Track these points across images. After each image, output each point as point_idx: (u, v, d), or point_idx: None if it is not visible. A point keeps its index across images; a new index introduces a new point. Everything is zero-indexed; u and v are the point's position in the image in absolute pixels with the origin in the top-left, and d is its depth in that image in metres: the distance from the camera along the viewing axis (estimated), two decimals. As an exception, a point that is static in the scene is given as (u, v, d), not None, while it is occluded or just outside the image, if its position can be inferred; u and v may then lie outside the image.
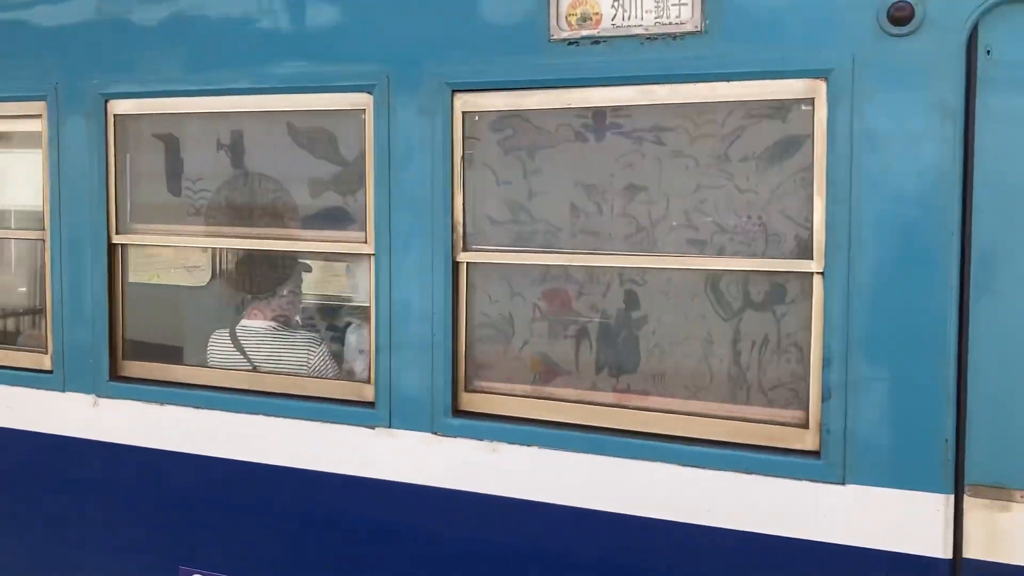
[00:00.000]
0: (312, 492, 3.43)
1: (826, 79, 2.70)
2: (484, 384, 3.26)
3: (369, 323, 3.34)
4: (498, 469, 3.15)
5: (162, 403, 3.66)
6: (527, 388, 3.22)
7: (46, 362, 3.91)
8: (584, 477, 3.02)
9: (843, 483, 2.73)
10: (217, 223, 3.72)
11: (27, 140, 3.95)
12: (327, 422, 3.40)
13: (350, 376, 3.70)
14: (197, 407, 3.59)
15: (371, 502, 3.34)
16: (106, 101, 3.68)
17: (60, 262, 3.79)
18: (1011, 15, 2.56)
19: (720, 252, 2.94)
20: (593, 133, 3.07)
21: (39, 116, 3.81)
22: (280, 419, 3.46)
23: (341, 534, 3.40)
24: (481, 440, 3.17)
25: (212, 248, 3.94)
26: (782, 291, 2.91)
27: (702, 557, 2.91)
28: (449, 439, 3.21)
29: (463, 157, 3.17)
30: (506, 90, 3.11)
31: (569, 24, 2.99)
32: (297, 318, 3.90)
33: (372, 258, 3.30)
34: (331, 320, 4.01)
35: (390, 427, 3.29)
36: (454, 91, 3.14)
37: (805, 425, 2.83)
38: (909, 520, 2.67)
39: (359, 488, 3.35)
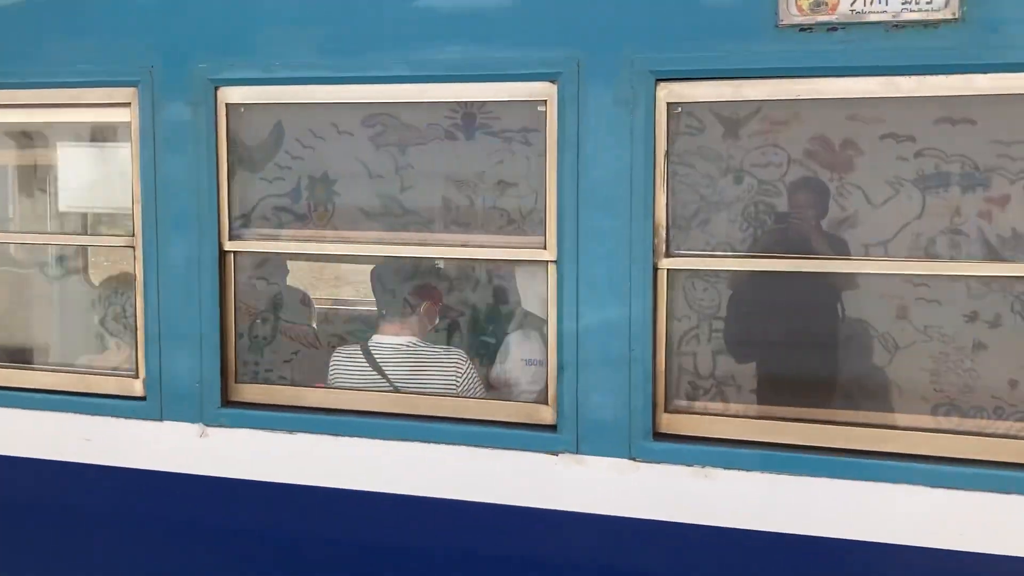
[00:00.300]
0: (481, 527, 3.07)
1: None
2: (687, 404, 2.97)
3: (548, 337, 3.00)
4: (710, 497, 2.86)
5: (291, 431, 3.22)
6: (740, 407, 2.95)
7: (137, 387, 3.40)
8: (822, 503, 2.76)
9: None
10: (353, 227, 3.30)
11: (112, 132, 3.43)
12: (495, 448, 3.04)
13: (507, 395, 3.35)
14: (336, 434, 3.17)
15: (555, 536, 3.00)
16: (216, 88, 3.21)
17: (157, 272, 3.30)
18: None
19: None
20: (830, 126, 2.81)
21: (128, 104, 3.30)
22: (436, 445, 3.09)
23: (517, 572, 3.06)
24: (690, 466, 2.88)
25: (341, 255, 3.51)
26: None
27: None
28: (649, 465, 2.91)
29: (667, 153, 2.86)
30: (720, 79, 2.82)
31: (800, 9, 2.72)
32: (439, 331, 3.51)
33: (552, 265, 2.97)
34: (480, 332, 3.63)
35: (577, 453, 2.96)
36: (658, 80, 2.83)
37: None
38: None
39: (539, 521, 3.00)
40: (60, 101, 3.40)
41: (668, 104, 2.85)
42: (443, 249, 3.26)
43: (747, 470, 2.83)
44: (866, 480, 2.71)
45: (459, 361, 3.33)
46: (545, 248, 2.97)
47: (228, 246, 3.26)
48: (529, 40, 2.92)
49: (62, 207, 3.78)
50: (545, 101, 2.94)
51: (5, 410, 3.50)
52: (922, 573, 2.71)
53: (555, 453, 2.98)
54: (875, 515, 2.72)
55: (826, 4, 2.70)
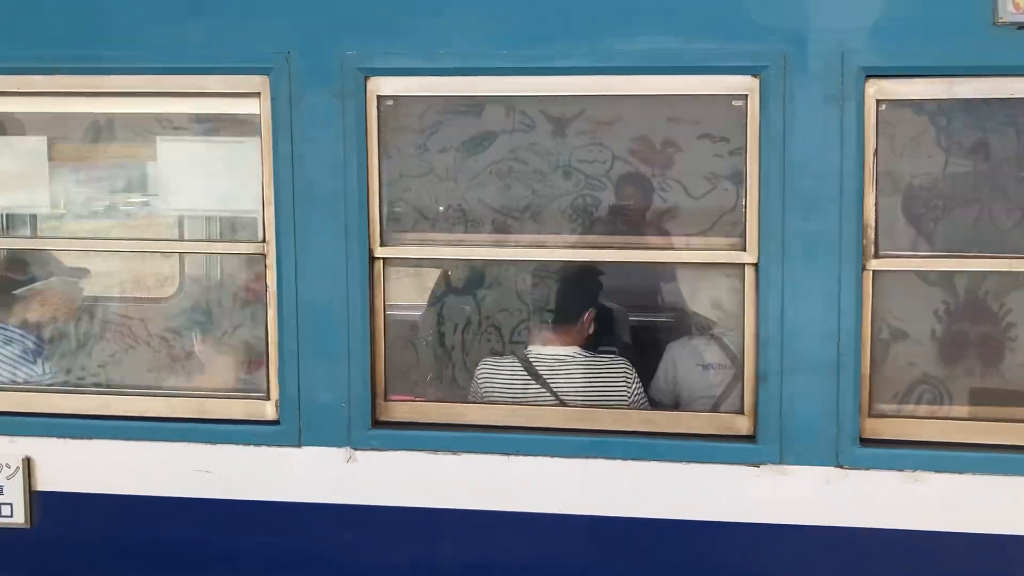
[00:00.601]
0: (674, 544, 2.91)
1: None
2: (894, 408, 2.91)
3: (745, 344, 2.87)
4: (922, 501, 2.81)
5: (454, 451, 2.95)
6: (947, 410, 2.90)
7: (268, 411, 3.04)
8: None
9: None
10: (517, 231, 3.05)
11: (236, 126, 3.04)
12: (688, 462, 2.89)
13: (681, 404, 3.19)
14: (508, 453, 2.93)
15: (760, 549, 2.88)
16: (366, 78, 2.90)
17: (295, 282, 2.95)
18: None
19: None
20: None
21: (257, 95, 2.94)
22: (621, 461, 2.90)
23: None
24: (900, 470, 2.81)
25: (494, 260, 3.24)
26: None
27: None
28: (857, 472, 2.83)
29: (875, 151, 2.78)
30: (930, 76, 2.76)
31: (1018, 7, 2.70)
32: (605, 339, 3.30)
33: (752, 268, 2.84)
34: (640, 339, 3.43)
35: (780, 463, 2.85)
36: (868, 76, 2.75)
37: None
38: None
39: (741, 535, 2.87)
40: (171, 89, 2.99)
41: (877, 100, 2.77)
42: (625, 252, 3.06)
43: (959, 472, 2.79)
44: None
45: (627, 371, 3.14)
46: (745, 250, 2.84)
47: (379, 252, 2.95)
48: (730, 32, 2.78)
49: (162, 210, 3.32)
50: (745, 96, 2.80)
51: (107, 442, 3.06)
52: None
53: (756, 465, 2.86)
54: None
55: (1045, 2, 2.69)
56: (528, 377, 3.10)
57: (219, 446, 3.03)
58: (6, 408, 3.14)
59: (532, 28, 2.83)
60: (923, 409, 2.93)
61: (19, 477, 3.10)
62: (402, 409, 3.02)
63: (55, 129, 3.22)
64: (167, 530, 3.07)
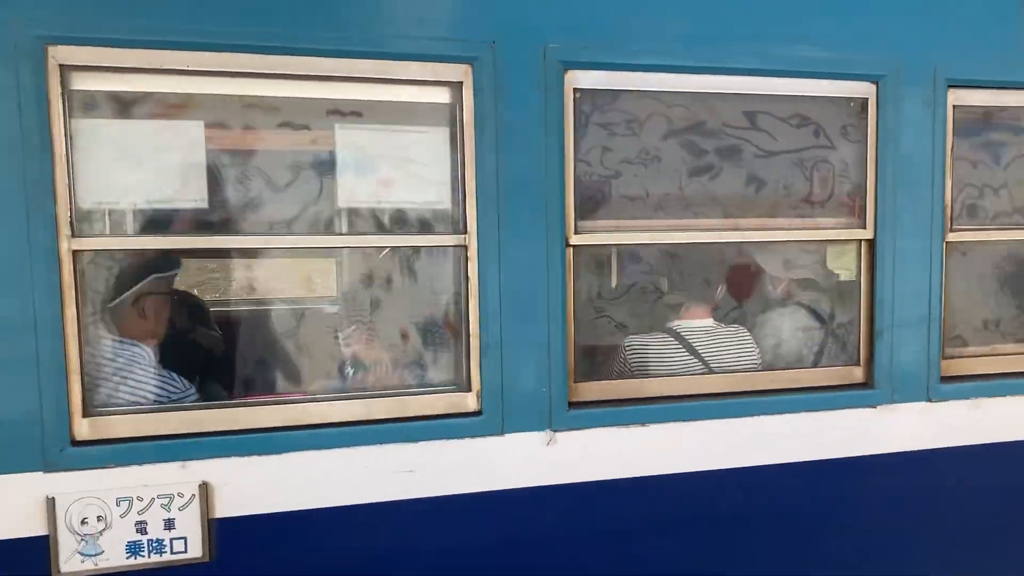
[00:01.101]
0: (813, 481, 3.41)
1: None
2: (957, 350, 3.66)
3: (861, 306, 3.45)
4: (983, 422, 3.60)
5: (643, 423, 3.18)
6: (1003, 347, 3.72)
7: (471, 402, 3.01)
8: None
9: None
10: (683, 215, 3.31)
11: (431, 115, 2.92)
12: (825, 410, 3.41)
13: (799, 362, 3.66)
14: (685, 420, 3.23)
15: (876, 476, 3.48)
16: (565, 71, 2.99)
17: (499, 273, 2.96)
18: None
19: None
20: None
21: (460, 84, 2.88)
22: (775, 416, 3.34)
23: (839, 512, 3.47)
24: (968, 399, 3.58)
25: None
26: None
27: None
28: (939, 403, 3.54)
29: (952, 148, 3.48)
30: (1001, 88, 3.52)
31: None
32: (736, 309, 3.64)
33: (867, 243, 3.41)
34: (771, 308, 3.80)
35: (892, 403, 3.48)
36: (950, 86, 3.43)
37: None
38: None
39: (862, 466, 3.46)
40: (368, 75, 2.82)
41: (954, 106, 3.46)
42: (767, 233, 3.45)
43: (1011, 396, 3.62)
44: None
45: (750, 338, 3.56)
46: (864, 227, 3.41)
47: (573, 240, 3.07)
48: (859, 46, 3.30)
49: (342, 203, 2.97)
50: (866, 100, 3.35)
51: (299, 455, 2.83)
52: None
53: (874, 406, 3.46)
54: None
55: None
56: (682, 349, 3.40)
57: (421, 443, 2.95)
58: (175, 431, 2.76)
59: (712, 33, 3.12)
60: (983, 349, 3.73)
61: (195, 505, 2.76)
62: (591, 389, 3.18)
63: (217, 114, 2.82)
64: (369, 538, 2.93)
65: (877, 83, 3.33)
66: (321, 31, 2.74)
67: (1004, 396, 3.62)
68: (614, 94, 3.14)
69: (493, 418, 3.02)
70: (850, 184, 3.45)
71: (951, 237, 3.52)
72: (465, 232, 2.95)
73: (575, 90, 3.02)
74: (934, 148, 3.41)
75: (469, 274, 2.97)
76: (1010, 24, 3.48)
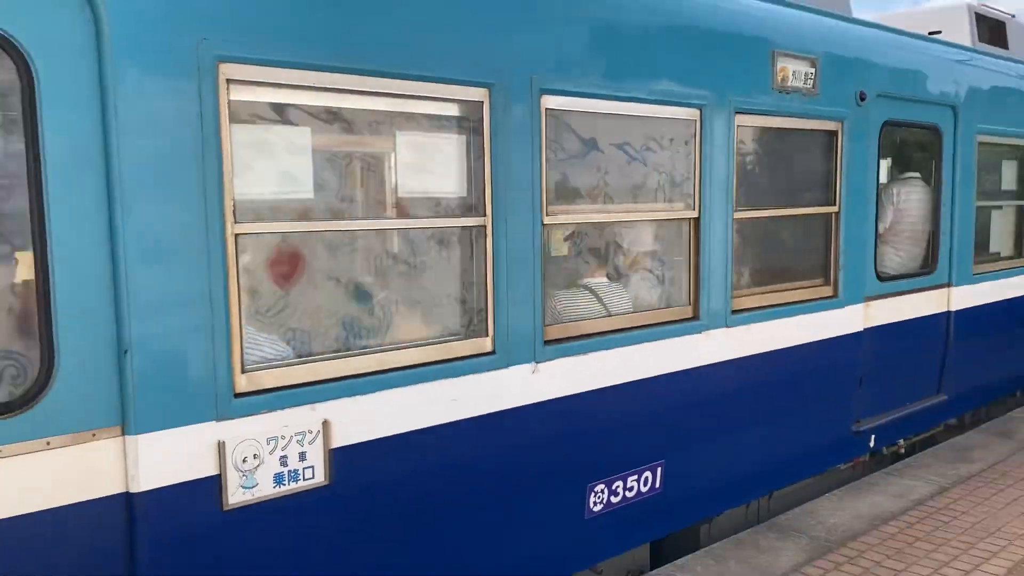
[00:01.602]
0: (677, 386, 4.88)
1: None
2: (740, 292, 5.36)
3: (690, 266, 4.98)
4: (752, 341, 5.35)
5: (595, 351, 4.39)
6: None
7: (488, 345, 3.98)
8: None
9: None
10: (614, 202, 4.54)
11: (445, 126, 3.82)
12: (676, 337, 4.90)
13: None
14: (608, 348, 4.50)
15: (702, 376, 5.05)
16: (542, 95, 4.08)
17: (505, 245, 3.97)
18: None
19: None
20: None
21: (481, 103, 3.84)
22: (653, 343, 4.75)
23: (691, 398, 4.99)
24: (745, 325, 5.30)
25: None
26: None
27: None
28: (732, 328, 5.22)
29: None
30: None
31: None
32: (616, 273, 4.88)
33: (696, 221, 4.96)
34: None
35: (709, 330, 5.06)
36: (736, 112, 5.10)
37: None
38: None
39: (689, 375, 5.01)
40: (415, 93, 3.66)
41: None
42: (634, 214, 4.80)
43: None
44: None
45: (623, 291, 4.90)
46: (694, 210, 4.95)
47: (547, 220, 4.17)
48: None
49: (402, 193, 3.57)
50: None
51: (385, 393, 3.60)
52: None
53: (700, 332, 5.02)
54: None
55: None
56: (593, 299, 4.64)
57: (460, 378, 3.88)
58: (304, 379, 3.39)
59: (622, 73, 4.41)
60: (756, 290, 5.47)
61: (319, 440, 3.42)
62: (556, 330, 4.31)
63: (314, 123, 3.40)
64: (433, 451, 3.79)
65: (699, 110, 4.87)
66: (401, 62, 3.55)
67: (762, 322, 5.41)
68: (569, 113, 4.29)
69: (503, 356, 4.03)
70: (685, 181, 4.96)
71: (737, 215, 5.21)
72: (485, 215, 3.92)
73: (547, 109, 4.12)
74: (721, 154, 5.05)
75: (487, 247, 3.94)
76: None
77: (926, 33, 7.35)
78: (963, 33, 8.19)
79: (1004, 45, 8.58)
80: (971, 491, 6.32)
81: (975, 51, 7.74)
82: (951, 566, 5.10)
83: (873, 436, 6.58)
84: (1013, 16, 9.08)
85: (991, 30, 8.55)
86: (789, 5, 5.58)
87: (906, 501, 6.11)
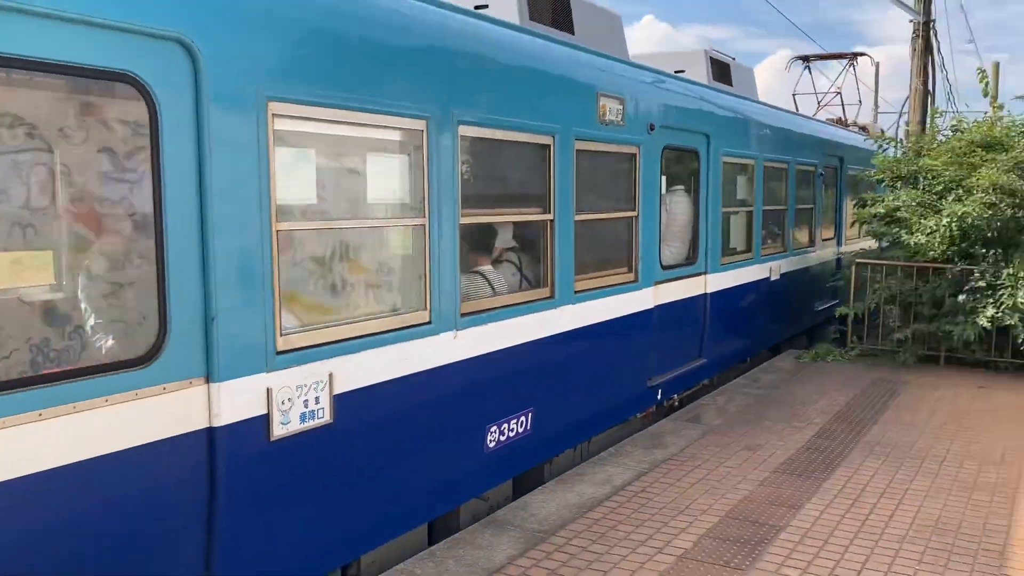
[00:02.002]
0: (541, 350, 6.31)
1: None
2: (581, 276, 6.89)
3: (547, 258, 6.44)
4: (585, 314, 6.91)
5: (469, 326, 5.69)
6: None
7: (426, 316, 5.18)
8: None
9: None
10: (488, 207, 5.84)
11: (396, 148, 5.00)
12: (538, 312, 6.33)
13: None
14: (497, 320, 5.85)
15: (553, 350, 6.52)
16: (459, 125, 5.36)
17: (438, 239, 5.21)
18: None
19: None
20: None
21: (421, 131, 5.06)
22: (523, 317, 6.16)
23: (556, 360, 6.44)
24: (582, 303, 6.85)
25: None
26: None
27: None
28: (577, 305, 6.74)
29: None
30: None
31: None
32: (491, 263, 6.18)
33: (551, 222, 6.43)
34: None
35: (562, 305, 6.55)
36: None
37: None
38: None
39: (549, 340, 6.48)
40: (379, 123, 4.83)
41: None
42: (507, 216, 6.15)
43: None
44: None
45: (501, 275, 6.24)
46: (550, 213, 6.42)
47: (462, 220, 5.44)
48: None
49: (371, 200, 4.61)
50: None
51: (367, 352, 4.72)
52: None
53: (555, 308, 6.50)
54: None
55: None
56: (485, 282, 5.93)
57: (409, 342, 5.07)
58: (316, 341, 4.44)
59: (508, 110, 5.78)
60: (593, 275, 7.00)
61: (327, 388, 4.49)
62: (467, 306, 5.59)
63: (317, 145, 4.43)
64: (396, 395, 4.96)
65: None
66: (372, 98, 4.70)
67: (594, 300, 6.99)
68: (474, 139, 5.59)
69: (438, 326, 5.27)
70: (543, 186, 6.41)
71: (577, 218, 6.73)
72: (426, 216, 5.14)
73: (462, 137, 5.40)
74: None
75: (427, 241, 5.16)
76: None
77: (672, 72, 9.30)
78: (701, 73, 10.35)
79: (730, 83, 10.89)
80: (665, 474, 6.92)
81: (719, 90, 9.91)
82: (648, 544, 5.57)
83: (660, 391, 8.42)
84: (734, 59, 11.48)
85: (720, 70, 10.83)
86: (598, 54, 7.22)
87: (609, 487, 6.57)
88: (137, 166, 3.66)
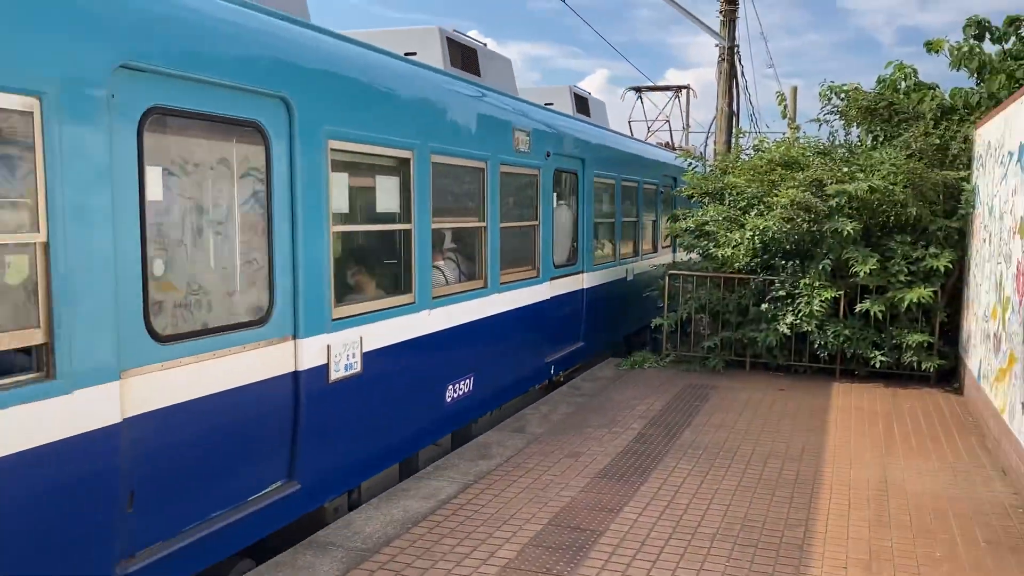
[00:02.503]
0: (478, 327, 8.12)
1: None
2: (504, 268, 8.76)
3: (482, 255, 8.27)
4: (504, 302, 8.79)
5: (436, 307, 7.45)
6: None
7: (412, 298, 6.92)
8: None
9: (545, 282, 9.88)
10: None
11: (393, 171, 6.71)
12: (476, 298, 8.15)
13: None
14: (452, 303, 7.64)
15: (484, 328, 8.36)
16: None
17: (418, 242, 6.95)
18: (552, 156, 10.09)
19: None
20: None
21: (406, 159, 6.80)
22: (467, 301, 7.96)
23: (481, 341, 8.26)
24: (509, 291, 8.73)
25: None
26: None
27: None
28: (501, 295, 8.60)
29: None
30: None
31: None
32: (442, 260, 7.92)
33: (484, 229, 8.27)
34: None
35: (492, 294, 8.40)
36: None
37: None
38: (550, 289, 10.08)
39: (483, 321, 8.31)
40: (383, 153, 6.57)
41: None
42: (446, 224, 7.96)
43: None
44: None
45: (452, 268, 8.00)
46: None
47: (434, 224, 7.21)
48: (482, 146, 8.16)
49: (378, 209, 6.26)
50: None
51: (385, 321, 6.43)
52: None
53: (487, 295, 8.34)
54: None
55: None
56: (440, 273, 7.68)
57: (400, 317, 6.80)
58: (351, 313, 6.10)
59: (463, 143, 7.60)
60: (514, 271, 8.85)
61: (358, 347, 6.15)
62: (436, 291, 7.34)
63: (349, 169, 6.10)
64: (398, 356, 6.69)
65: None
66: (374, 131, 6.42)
67: (513, 290, 8.88)
68: (434, 163, 7.35)
69: (419, 305, 7.02)
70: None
71: (502, 225, 8.60)
72: (410, 223, 6.87)
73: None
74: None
75: (412, 241, 6.89)
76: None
77: (543, 104, 11.11)
78: (567, 105, 12.36)
79: (588, 113, 12.95)
80: (490, 484, 6.98)
81: (585, 121, 12.08)
82: (472, 556, 5.62)
83: (553, 367, 10.41)
84: (590, 94, 13.59)
85: (581, 103, 12.83)
86: (515, 98, 9.17)
87: (434, 501, 6.59)
88: (257, 186, 5.25)
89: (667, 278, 12.81)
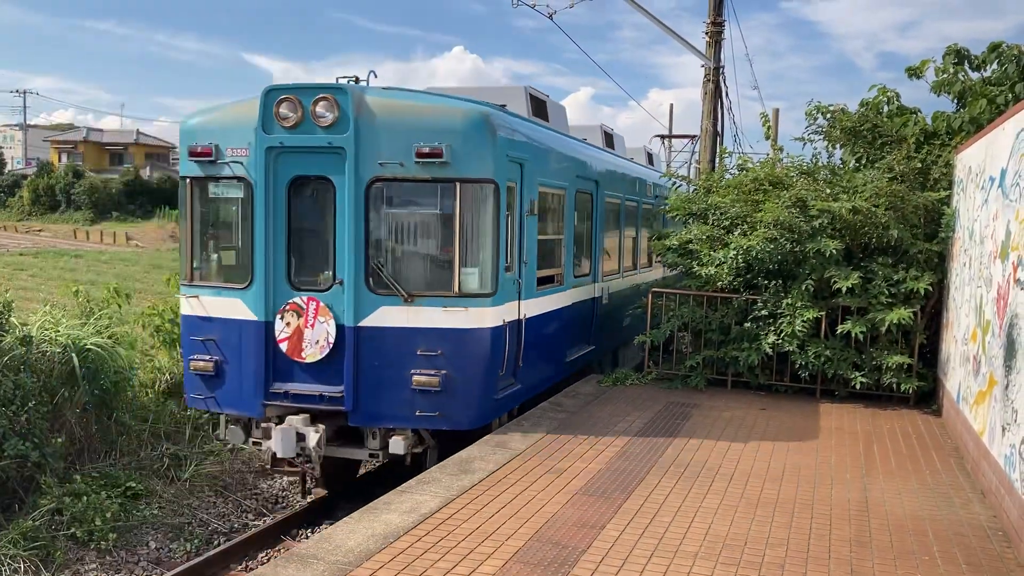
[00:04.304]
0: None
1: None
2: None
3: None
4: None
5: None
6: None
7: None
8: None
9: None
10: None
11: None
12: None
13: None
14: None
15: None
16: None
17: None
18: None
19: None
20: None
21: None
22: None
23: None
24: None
25: None
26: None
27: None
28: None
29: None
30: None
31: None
32: None
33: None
34: None
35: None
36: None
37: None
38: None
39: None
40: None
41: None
42: None
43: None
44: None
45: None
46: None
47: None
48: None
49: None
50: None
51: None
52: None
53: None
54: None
55: None
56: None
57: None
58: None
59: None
60: None
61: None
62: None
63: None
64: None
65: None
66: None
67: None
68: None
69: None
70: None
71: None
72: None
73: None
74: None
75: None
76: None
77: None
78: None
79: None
80: (472, 499, 6.97)
81: (603, 150, 13.91)
82: (454, 572, 5.58)
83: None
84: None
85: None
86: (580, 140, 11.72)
87: (416, 516, 6.53)
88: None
89: (650, 295, 12.89)
